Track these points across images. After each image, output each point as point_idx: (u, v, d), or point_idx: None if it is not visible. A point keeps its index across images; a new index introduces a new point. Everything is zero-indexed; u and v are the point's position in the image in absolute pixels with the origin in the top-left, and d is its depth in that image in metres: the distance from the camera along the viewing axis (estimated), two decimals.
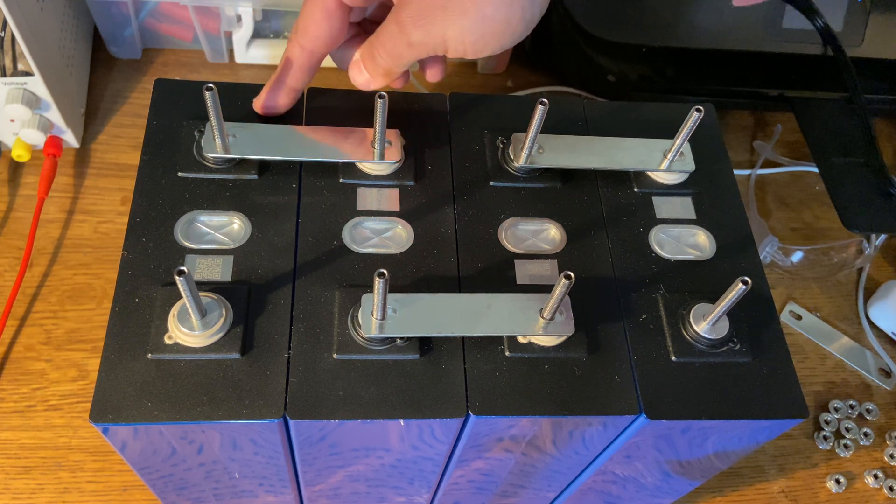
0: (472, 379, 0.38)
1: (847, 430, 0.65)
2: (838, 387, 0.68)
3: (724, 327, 0.40)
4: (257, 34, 0.75)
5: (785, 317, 0.70)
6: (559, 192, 0.44)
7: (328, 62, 0.78)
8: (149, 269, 0.39)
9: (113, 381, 0.36)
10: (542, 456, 0.44)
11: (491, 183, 0.44)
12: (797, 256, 0.71)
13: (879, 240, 0.72)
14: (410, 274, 0.40)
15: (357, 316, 0.38)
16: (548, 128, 0.43)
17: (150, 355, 0.36)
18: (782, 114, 0.81)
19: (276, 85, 0.44)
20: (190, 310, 0.35)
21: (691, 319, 0.40)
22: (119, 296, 0.38)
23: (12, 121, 0.63)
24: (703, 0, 0.72)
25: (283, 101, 0.44)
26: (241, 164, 0.42)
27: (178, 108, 0.44)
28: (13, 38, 0.58)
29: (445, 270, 0.41)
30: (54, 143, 0.65)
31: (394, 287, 0.39)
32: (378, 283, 0.34)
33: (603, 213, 0.44)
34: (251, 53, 0.75)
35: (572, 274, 0.35)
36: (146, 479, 0.43)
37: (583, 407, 0.38)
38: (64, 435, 0.57)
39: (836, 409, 0.66)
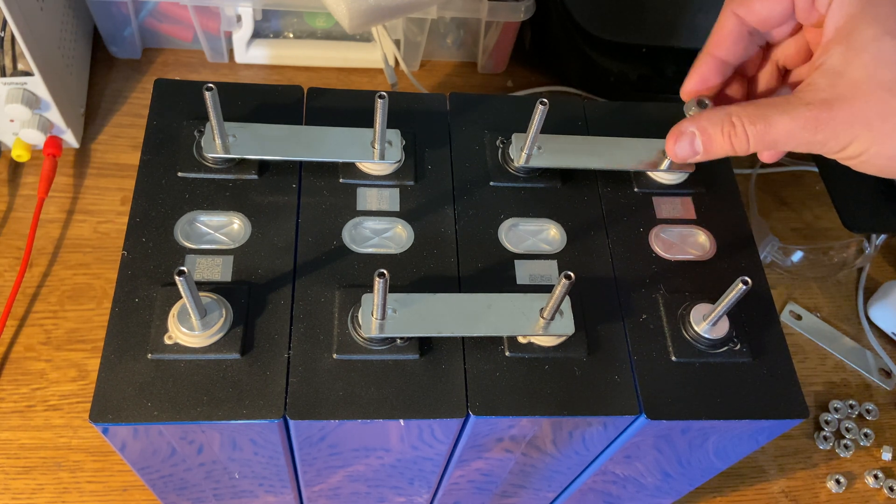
0: (472, 379, 0.38)
1: (847, 430, 0.65)
2: (838, 387, 0.68)
3: (724, 327, 0.40)
4: (257, 34, 0.75)
5: (785, 317, 0.70)
6: (559, 192, 0.44)
7: (328, 62, 0.79)
8: (149, 269, 0.39)
9: (113, 381, 0.36)
10: (542, 456, 0.44)
11: (491, 183, 0.44)
12: (797, 256, 0.71)
13: (879, 240, 0.72)
14: (410, 274, 0.40)
15: (357, 316, 0.38)
16: (548, 128, 0.43)
17: (150, 355, 0.36)
18: None
19: (703, 60, 0.40)
20: (190, 310, 0.35)
21: (691, 319, 0.40)
22: (119, 296, 0.38)
23: (12, 121, 0.63)
24: (703, 0, 0.72)
25: (713, 79, 0.41)
26: (241, 164, 0.42)
27: (178, 108, 0.44)
28: (13, 38, 0.58)
29: (445, 270, 0.41)
30: (54, 143, 0.65)
31: (394, 287, 0.39)
32: (378, 283, 0.34)
33: (603, 213, 0.44)
34: (251, 53, 0.75)
35: (572, 274, 0.35)
36: (146, 479, 0.43)
37: (583, 407, 0.38)
38: (64, 435, 0.57)
39: (837, 410, 0.66)
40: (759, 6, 0.39)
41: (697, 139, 0.38)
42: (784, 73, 0.43)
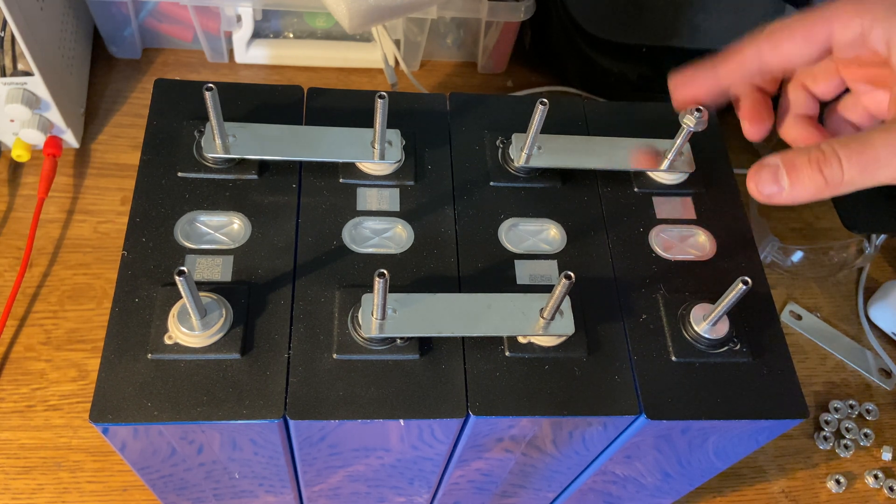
0: (472, 379, 0.38)
1: (847, 430, 0.65)
2: (838, 387, 0.68)
3: (724, 327, 0.40)
4: (257, 34, 0.75)
5: (785, 317, 0.70)
6: (559, 192, 0.44)
7: (328, 62, 0.79)
8: (149, 269, 0.39)
9: (113, 381, 0.36)
10: (542, 456, 0.44)
11: (491, 183, 0.44)
12: (797, 256, 0.71)
13: (879, 240, 0.72)
14: (410, 274, 0.40)
15: (357, 316, 0.38)
16: (548, 128, 0.43)
17: (150, 355, 0.36)
18: None
19: (703, 70, 0.38)
20: (190, 310, 0.35)
21: (691, 319, 0.40)
22: (119, 296, 0.38)
23: (12, 121, 0.63)
24: (703, 0, 0.72)
25: (703, 92, 0.39)
26: (241, 164, 0.42)
27: (178, 108, 0.44)
28: (13, 38, 0.58)
29: (445, 270, 0.41)
30: (54, 143, 0.65)
31: (394, 287, 0.39)
32: (378, 283, 0.34)
33: (603, 213, 0.44)
34: (251, 53, 0.75)
35: (572, 274, 0.35)
36: (146, 479, 0.43)
37: (583, 407, 0.38)
38: (64, 435, 0.57)
39: (837, 410, 0.66)
40: (787, 47, 0.37)
41: (782, 173, 0.35)
42: (810, 93, 0.42)
